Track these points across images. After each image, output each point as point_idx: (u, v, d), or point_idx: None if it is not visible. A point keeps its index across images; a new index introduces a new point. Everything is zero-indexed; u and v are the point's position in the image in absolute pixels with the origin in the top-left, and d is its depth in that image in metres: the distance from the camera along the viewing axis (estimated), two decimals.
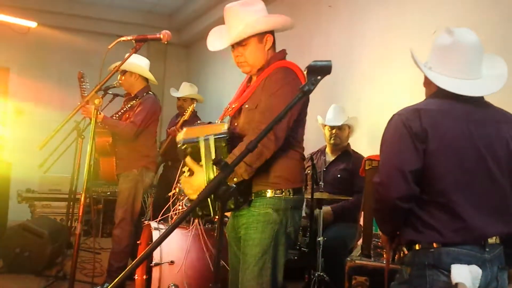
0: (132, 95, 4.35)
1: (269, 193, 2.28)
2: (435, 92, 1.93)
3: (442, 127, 1.80)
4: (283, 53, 2.45)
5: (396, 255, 2.60)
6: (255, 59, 2.37)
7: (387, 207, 1.83)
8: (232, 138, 2.22)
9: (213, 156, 2.13)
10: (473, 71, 1.88)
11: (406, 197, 1.78)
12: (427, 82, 1.98)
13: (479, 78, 1.88)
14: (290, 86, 2.21)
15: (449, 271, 1.73)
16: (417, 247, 1.82)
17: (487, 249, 1.78)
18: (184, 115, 4.91)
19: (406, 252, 1.91)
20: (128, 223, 4.15)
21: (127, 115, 4.27)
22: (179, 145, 2.20)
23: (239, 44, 2.35)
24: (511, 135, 1.87)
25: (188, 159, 2.19)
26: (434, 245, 1.77)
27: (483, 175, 1.81)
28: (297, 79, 2.26)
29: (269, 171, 2.27)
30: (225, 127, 2.24)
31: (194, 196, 2.22)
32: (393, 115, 1.89)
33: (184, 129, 2.29)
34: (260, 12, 2.38)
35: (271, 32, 2.40)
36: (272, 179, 2.28)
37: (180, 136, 2.23)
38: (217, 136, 2.15)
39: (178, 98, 5.52)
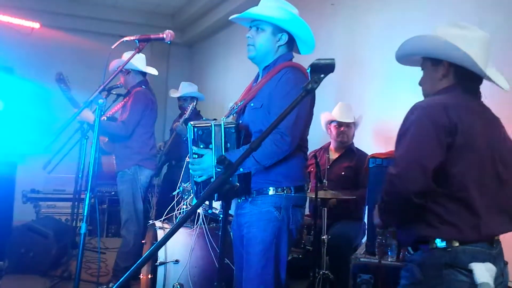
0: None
1: (271, 191, 2.31)
2: (446, 88, 1.88)
3: (467, 123, 1.76)
4: (291, 55, 2.47)
5: (401, 253, 2.61)
6: (262, 47, 2.39)
7: (400, 201, 1.76)
8: (239, 136, 2.28)
9: (223, 140, 2.21)
10: (486, 67, 1.86)
11: (422, 192, 1.72)
12: (444, 75, 1.90)
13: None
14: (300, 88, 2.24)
15: (467, 270, 1.71)
16: (432, 245, 1.77)
17: (494, 245, 1.78)
18: (185, 113, 4.90)
19: (412, 251, 1.87)
20: (132, 223, 4.14)
21: (121, 111, 4.25)
22: (190, 124, 2.26)
23: (256, 26, 2.39)
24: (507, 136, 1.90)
25: (195, 148, 2.28)
26: (452, 243, 1.74)
27: (493, 175, 1.80)
28: (306, 80, 2.28)
29: (271, 168, 2.29)
30: (233, 120, 2.32)
31: (203, 178, 2.28)
32: (415, 107, 1.81)
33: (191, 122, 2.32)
34: (290, 11, 2.39)
35: (289, 35, 2.41)
36: (273, 177, 2.31)
37: (191, 124, 2.29)
38: (227, 124, 2.24)
39: (178, 99, 5.48)
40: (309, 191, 3.29)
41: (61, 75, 3.63)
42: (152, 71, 4.39)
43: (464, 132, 1.73)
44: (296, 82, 2.25)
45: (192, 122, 2.28)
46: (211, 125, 2.22)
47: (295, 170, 2.36)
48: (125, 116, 4.10)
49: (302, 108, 2.24)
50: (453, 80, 1.87)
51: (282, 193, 2.30)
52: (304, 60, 2.40)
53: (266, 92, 2.33)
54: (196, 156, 2.28)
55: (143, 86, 4.25)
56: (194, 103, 4.97)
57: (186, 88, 5.45)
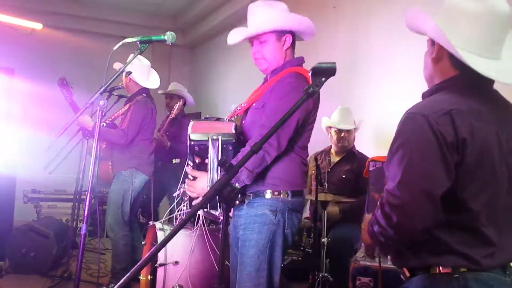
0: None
1: (267, 194, 2.30)
2: (447, 81, 1.54)
3: (479, 134, 1.42)
4: (301, 60, 2.45)
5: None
6: (272, 56, 2.38)
7: (406, 239, 1.46)
8: (237, 138, 2.27)
9: (220, 155, 2.18)
10: (496, 48, 1.50)
11: (431, 226, 1.41)
12: (437, 57, 1.56)
13: (499, 58, 1.51)
14: (300, 92, 2.23)
15: None
16: (434, 270, 1.47)
17: (507, 272, 1.50)
18: (171, 113, 4.88)
19: (407, 274, 1.58)
20: (119, 225, 4.13)
21: (121, 119, 4.26)
22: (188, 140, 2.25)
23: (258, 40, 2.37)
24: None
25: (189, 169, 2.31)
26: (459, 269, 1.44)
27: (505, 187, 1.48)
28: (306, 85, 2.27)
29: (268, 172, 2.29)
30: (232, 129, 2.27)
31: (198, 199, 2.31)
32: (410, 114, 1.46)
33: (192, 122, 2.30)
34: (282, 11, 2.40)
35: (292, 34, 2.41)
36: (271, 180, 2.30)
37: (189, 130, 2.26)
38: (225, 138, 2.20)
39: (165, 96, 5.40)
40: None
41: (65, 80, 3.61)
42: (153, 84, 4.38)
43: (476, 147, 1.41)
44: (295, 86, 2.24)
45: (192, 128, 2.25)
46: (208, 140, 2.20)
47: (293, 175, 2.35)
48: (125, 124, 4.13)
49: (294, 114, 2.22)
50: (453, 68, 1.52)
51: (279, 196, 2.29)
52: (306, 64, 2.41)
53: (268, 93, 2.34)
54: (192, 178, 2.31)
55: (143, 95, 4.28)
56: (181, 102, 4.92)
57: (173, 87, 5.41)
